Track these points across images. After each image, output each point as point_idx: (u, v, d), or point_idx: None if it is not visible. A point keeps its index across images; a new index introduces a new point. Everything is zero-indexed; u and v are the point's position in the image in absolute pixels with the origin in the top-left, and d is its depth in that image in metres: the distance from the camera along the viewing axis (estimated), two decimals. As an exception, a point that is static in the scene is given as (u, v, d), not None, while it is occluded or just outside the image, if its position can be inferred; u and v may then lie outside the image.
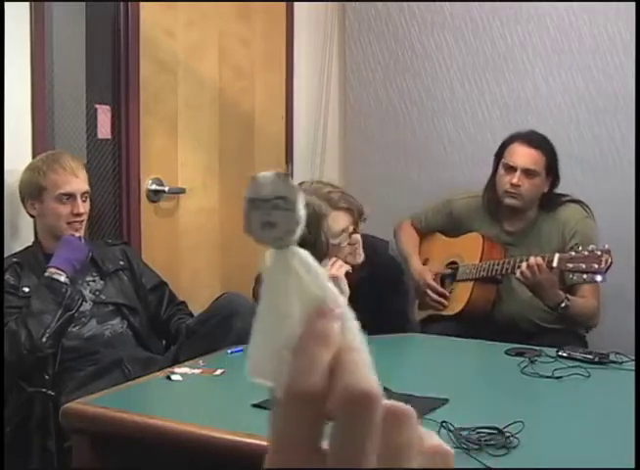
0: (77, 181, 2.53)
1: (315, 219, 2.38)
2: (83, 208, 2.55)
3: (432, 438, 0.46)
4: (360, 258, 2.49)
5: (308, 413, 0.44)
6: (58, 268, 2.46)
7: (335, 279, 2.47)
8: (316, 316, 0.47)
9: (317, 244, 2.42)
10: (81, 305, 2.49)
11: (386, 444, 0.43)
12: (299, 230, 0.50)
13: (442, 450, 0.46)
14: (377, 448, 0.43)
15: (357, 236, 2.47)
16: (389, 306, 2.53)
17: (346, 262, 2.46)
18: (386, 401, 0.44)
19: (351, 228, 2.47)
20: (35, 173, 2.52)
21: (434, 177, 3.72)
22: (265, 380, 0.49)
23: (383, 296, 2.53)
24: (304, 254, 0.51)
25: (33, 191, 2.53)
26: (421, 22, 3.71)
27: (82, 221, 2.57)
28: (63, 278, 2.44)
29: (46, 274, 2.44)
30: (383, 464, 0.43)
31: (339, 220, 2.42)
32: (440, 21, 3.67)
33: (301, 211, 0.49)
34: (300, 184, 2.53)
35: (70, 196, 2.51)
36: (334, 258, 2.43)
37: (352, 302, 0.51)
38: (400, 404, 0.45)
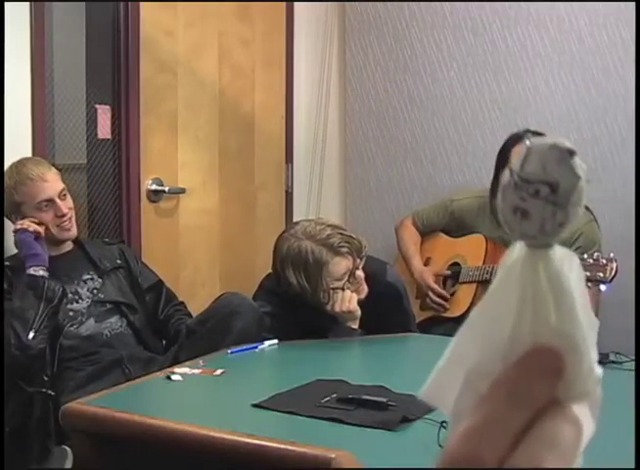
0: (49, 186, 2.49)
1: (315, 268, 2.39)
2: (65, 207, 2.52)
3: None
4: (364, 291, 2.50)
5: None
6: (36, 265, 2.43)
7: (350, 313, 2.48)
8: (530, 360, 0.34)
9: (317, 292, 2.43)
10: (63, 295, 2.44)
11: None
12: (564, 231, 0.37)
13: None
14: None
15: (360, 273, 2.47)
16: (390, 330, 2.54)
17: None
18: None
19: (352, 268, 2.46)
20: (7, 191, 2.50)
21: (433, 177, 3.72)
22: (443, 407, 0.37)
23: (381, 320, 2.54)
24: (561, 265, 0.36)
25: (13, 208, 2.51)
26: (421, 22, 3.71)
27: (70, 218, 2.55)
28: (41, 271, 2.42)
29: (27, 273, 2.42)
30: None
31: (341, 265, 2.42)
32: (440, 21, 3.67)
33: (574, 208, 0.37)
34: (296, 224, 2.53)
35: (49, 201, 2.49)
36: (346, 292, 2.44)
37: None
38: None
